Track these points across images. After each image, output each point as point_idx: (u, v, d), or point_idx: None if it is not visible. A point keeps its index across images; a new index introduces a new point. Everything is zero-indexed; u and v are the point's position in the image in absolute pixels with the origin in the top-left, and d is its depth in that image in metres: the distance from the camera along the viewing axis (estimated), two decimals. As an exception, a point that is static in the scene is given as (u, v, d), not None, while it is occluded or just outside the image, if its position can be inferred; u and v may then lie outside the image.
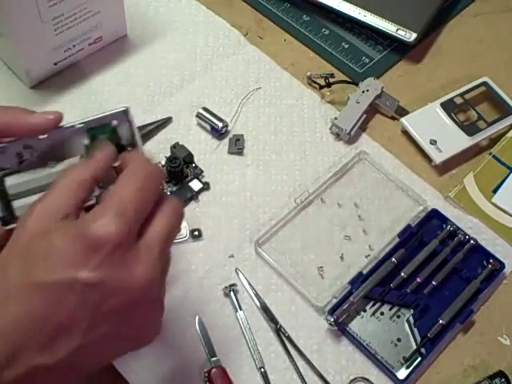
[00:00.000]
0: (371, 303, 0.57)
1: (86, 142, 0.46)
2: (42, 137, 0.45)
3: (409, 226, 0.61)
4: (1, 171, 0.45)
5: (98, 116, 0.47)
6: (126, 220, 0.36)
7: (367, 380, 0.53)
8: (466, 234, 0.61)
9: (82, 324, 0.35)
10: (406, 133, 0.68)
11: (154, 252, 0.37)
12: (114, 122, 0.46)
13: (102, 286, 0.35)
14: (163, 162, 0.63)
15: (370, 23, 0.75)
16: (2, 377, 0.34)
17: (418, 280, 0.58)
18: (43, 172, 0.46)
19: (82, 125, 0.46)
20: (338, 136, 0.68)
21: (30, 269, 0.35)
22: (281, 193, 0.63)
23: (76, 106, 0.67)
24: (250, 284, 0.57)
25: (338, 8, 0.76)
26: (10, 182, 0.45)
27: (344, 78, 0.72)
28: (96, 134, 0.47)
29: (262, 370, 0.53)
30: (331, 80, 0.70)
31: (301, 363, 0.54)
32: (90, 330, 0.35)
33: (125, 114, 0.47)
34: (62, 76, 0.69)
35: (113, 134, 0.47)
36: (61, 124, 0.46)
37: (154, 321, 0.40)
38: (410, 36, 0.73)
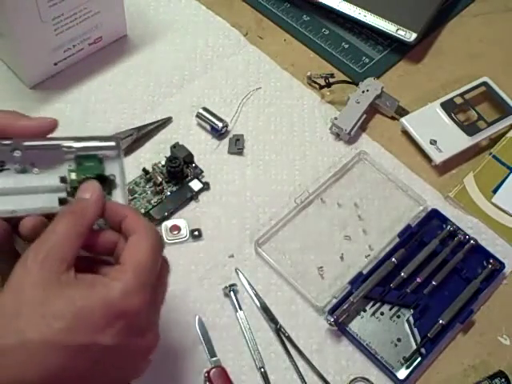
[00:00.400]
0: (371, 303, 0.57)
1: (72, 166, 0.47)
2: (27, 143, 0.46)
3: (409, 226, 0.61)
4: None
5: (89, 144, 0.48)
6: (148, 290, 0.38)
7: (367, 380, 0.53)
8: (466, 234, 0.61)
9: (88, 379, 0.37)
10: (406, 133, 0.68)
11: (158, 312, 0.41)
12: (104, 154, 0.48)
13: (118, 349, 0.37)
14: (163, 162, 0.63)
15: (370, 23, 0.75)
16: None
17: (418, 280, 0.58)
18: (26, 176, 0.47)
19: (71, 148, 0.47)
20: (337, 136, 0.68)
21: (51, 327, 0.35)
22: (281, 193, 0.63)
23: (76, 106, 0.67)
24: (249, 284, 0.57)
25: (338, 8, 0.76)
26: None
27: (344, 78, 0.72)
28: (82, 160, 0.48)
29: (262, 369, 0.53)
30: (331, 80, 0.70)
31: (301, 363, 0.54)
32: (93, 382, 0.38)
33: (116, 148, 0.49)
34: (62, 76, 0.69)
35: (99, 164, 0.48)
36: (53, 136, 0.47)
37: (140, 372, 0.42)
38: (410, 36, 0.73)
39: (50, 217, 0.45)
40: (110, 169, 0.49)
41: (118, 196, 0.48)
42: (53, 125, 0.47)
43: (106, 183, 0.48)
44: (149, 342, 0.40)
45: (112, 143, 0.49)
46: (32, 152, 0.47)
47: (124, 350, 0.38)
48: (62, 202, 0.46)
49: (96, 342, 0.36)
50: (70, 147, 0.48)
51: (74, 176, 0.47)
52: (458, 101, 0.69)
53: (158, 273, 0.40)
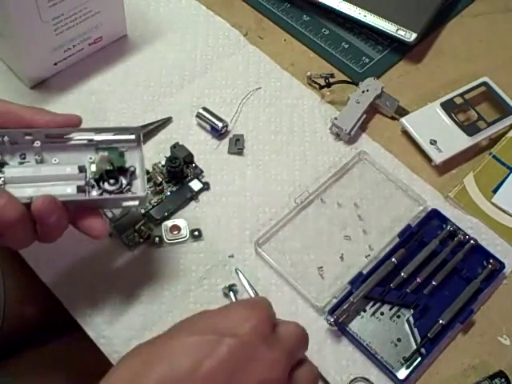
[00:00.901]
0: (371, 303, 0.57)
1: (93, 158, 0.49)
2: (47, 133, 0.48)
3: (409, 225, 0.61)
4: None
5: (109, 137, 0.50)
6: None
7: (367, 380, 0.53)
8: (466, 234, 0.61)
9: None
10: (406, 133, 0.68)
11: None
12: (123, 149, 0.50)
13: None
14: (163, 162, 0.63)
15: (370, 23, 0.75)
16: None
17: (418, 280, 0.58)
18: (46, 166, 0.48)
19: (92, 141, 0.49)
20: (337, 136, 0.68)
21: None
22: (281, 193, 0.63)
23: (76, 106, 0.67)
24: (249, 284, 0.57)
25: (338, 8, 0.76)
26: (12, 168, 0.48)
27: (344, 78, 0.72)
28: (102, 151, 0.50)
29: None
30: (331, 80, 0.70)
31: (301, 363, 0.54)
32: None
33: (136, 140, 0.50)
34: (62, 76, 0.69)
35: (119, 157, 0.49)
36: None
37: None
38: (410, 36, 0.73)
39: (66, 205, 0.46)
40: (130, 160, 0.50)
41: (138, 187, 0.50)
42: (77, 121, 0.49)
43: (127, 175, 0.49)
44: None
45: (132, 136, 0.50)
46: (52, 144, 0.48)
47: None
48: (79, 189, 0.47)
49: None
50: (91, 140, 0.49)
51: (94, 168, 0.49)
52: (458, 101, 0.69)
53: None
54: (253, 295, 0.57)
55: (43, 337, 0.67)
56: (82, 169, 0.48)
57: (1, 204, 0.42)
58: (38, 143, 0.47)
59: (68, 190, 0.47)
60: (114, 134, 0.50)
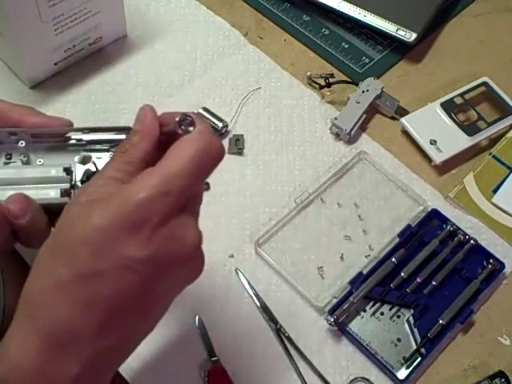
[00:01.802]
0: (371, 303, 0.57)
1: (77, 158, 0.47)
2: (33, 133, 0.46)
3: (409, 226, 0.61)
4: None
5: (99, 137, 0.47)
6: (172, 200, 0.34)
7: (367, 380, 0.53)
8: (466, 234, 0.61)
9: (142, 298, 0.34)
10: (406, 133, 0.68)
11: (194, 217, 0.37)
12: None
13: (157, 258, 0.34)
14: (163, 162, 0.62)
15: (370, 23, 0.75)
16: (66, 373, 0.33)
17: (418, 280, 0.58)
18: (29, 167, 0.46)
19: (81, 141, 0.46)
20: (337, 136, 0.68)
21: (75, 260, 0.33)
22: (281, 193, 0.63)
23: (76, 106, 0.67)
24: (249, 284, 0.57)
25: (337, 8, 0.76)
26: None
27: (344, 78, 0.72)
28: (92, 152, 0.47)
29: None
30: (331, 80, 0.70)
31: (301, 363, 0.54)
32: (149, 299, 0.35)
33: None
34: (62, 76, 0.69)
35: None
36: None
37: (200, 273, 0.39)
38: (410, 36, 0.73)
39: (51, 208, 0.44)
40: None
41: None
42: (67, 125, 0.46)
43: None
44: (189, 246, 0.35)
45: (122, 136, 0.48)
46: (39, 144, 0.46)
47: (164, 258, 0.34)
48: (64, 193, 0.45)
49: (126, 257, 0.33)
50: (80, 140, 0.47)
51: (80, 170, 0.47)
52: (458, 101, 0.69)
53: (194, 184, 0.36)
54: (253, 295, 0.57)
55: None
56: (68, 171, 0.46)
57: None
58: (22, 143, 0.45)
59: (51, 194, 0.45)
60: (105, 134, 0.49)
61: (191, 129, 0.37)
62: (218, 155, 0.38)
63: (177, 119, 0.37)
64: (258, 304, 0.56)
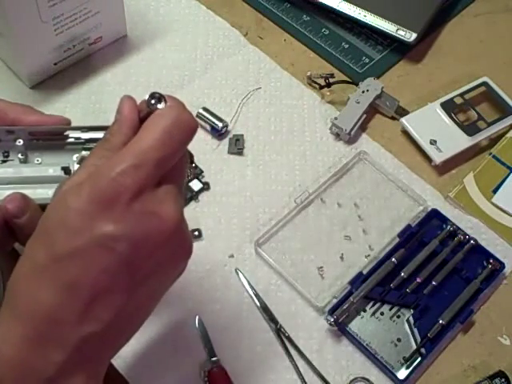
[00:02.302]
0: (371, 303, 0.57)
1: (79, 157, 0.46)
2: (30, 131, 0.45)
3: (409, 226, 0.61)
4: None
5: (97, 135, 0.46)
6: (144, 172, 0.33)
7: (367, 380, 0.53)
8: (466, 234, 0.61)
9: (121, 280, 0.33)
10: (406, 133, 0.68)
11: (173, 193, 0.36)
12: None
13: (131, 235, 0.33)
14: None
15: (370, 23, 0.75)
16: (51, 361, 0.33)
17: (418, 280, 0.58)
18: (27, 167, 0.46)
19: (79, 139, 0.46)
20: (337, 136, 0.68)
21: (51, 242, 0.33)
22: (281, 193, 0.63)
23: (76, 106, 0.67)
24: (249, 284, 0.57)
25: (337, 8, 0.76)
26: None
27: (344, 78, 0.72)
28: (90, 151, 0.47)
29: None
30: (331, 80, 0.70)
31: (301, 363, 0.54)
32: (130, 282, 0.34)
33: None
34: (62, 76, 0.69)
35: None
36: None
37: (186, 257, 0.38)
38: (410, 36, 0.73)
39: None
40: None
41: None
42: (65, 123, 0.46)
43: None
44: (167, 222, 0.34)
45: None
46: (37, 142, 0.46)
47: (141, 235, 0.33)
48: None
49: (100, 235, 0.32)
50: (78, 138, 0.47)
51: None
52: (458, 101, 0.69)
53: (167, 156, 0.35)
54: (253, 295, 0.57)
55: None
56: (66, 170, 0.46)
57: None
58: (20, 141, 0.45)
59: (49, 193, 0.43)
60: (104, 133, 0.48)
61: (161, 105, 0.37)
62: (188, 126, 0.36)
63: (146, 98, 0.37)
64: (258, 304, 0.56)
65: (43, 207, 0.43)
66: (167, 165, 0.35)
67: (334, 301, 0.56)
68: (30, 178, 0.45)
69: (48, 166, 0.46)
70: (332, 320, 0.54)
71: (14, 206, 0.41)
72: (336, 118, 0.67)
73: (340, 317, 0.55)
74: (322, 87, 0.70)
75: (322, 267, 0.59)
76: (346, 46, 0.76)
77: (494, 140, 0.68)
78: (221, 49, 0.74)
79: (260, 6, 0.78)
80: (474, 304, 0.57)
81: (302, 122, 0.69)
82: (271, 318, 0.56)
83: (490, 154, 0.67)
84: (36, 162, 0.46)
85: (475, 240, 0.60)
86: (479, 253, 0.60)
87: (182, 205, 0.36)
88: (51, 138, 0.46)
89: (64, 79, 0.69)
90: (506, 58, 0.76)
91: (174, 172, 0.36)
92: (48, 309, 0.33)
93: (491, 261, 0.59)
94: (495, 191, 0.64)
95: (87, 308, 0.33)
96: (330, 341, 0.55)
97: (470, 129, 0.67)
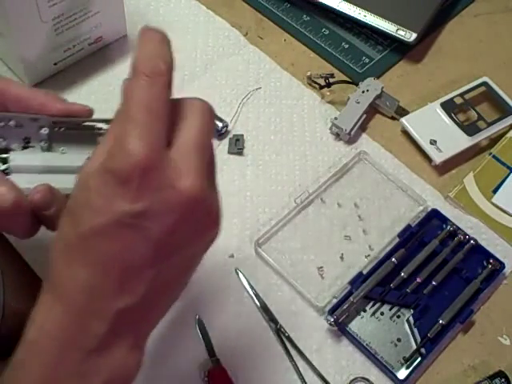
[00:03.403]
0: (371, 303, 0.57)
1: (100, 139, 0.45)
2: (56, 120, 0.45)
3: (409, 226, 0.61)
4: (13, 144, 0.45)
5: None
6: (147, 139, 0.33)
7: (367, 380, 0.53)
8: (466, 234, 0.61)
9: (148, 254, 0.34)
10: (406, 133, 0.68)
11: (191, 159, 0.35)
12: None
13: (151, 211, 0.33)
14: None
15: (370, 23, 0.75)
16: (92, 334, 0.34)
17: (418, 280, 0.58)
18: (53, 156, 0.46)
19: (101, 130, 0.46)
20: (337, 136, 0.68)
21: (77, 221, 0.34)
22: (281, 193, 0.63)
23: (76, 106, 0.67)
24: (249, 284, 0.57)
25: (337, 8, 0.76)
26: (16, 155, 0.45)
27: (344, 78, 0.72)
28: None
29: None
30: (331, 80, 0.70)
31: (301, 363, 0.54)
32: (157, 256, 0.34)
33: None
34: (62, 76, 0.69)
35: None
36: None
37: (213, 226, 0.38)
38: (410, 36, 0.73)
39: None
40: None
41: None
42: (89, 113, 0.46)
43: None
44: (184, 191, 0.34)
45: None
46: (60, 131, 0.46)
47: (161, 208, 0.33)
48: None
49: (121, 213, 0.33)
50: (100, 129, 0.47)
51: None
52: (458, 101, 0.69)
53: (163, 113, 0.35)
54: (253, 295, 0.57)
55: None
56: None
57: (1, 192, 0.41)
58: (45, 130, 0.45)
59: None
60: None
61: None
62: (164, 68, 0.38)
63: None
64: (258, 304, 0.56)
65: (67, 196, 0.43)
66: (164, 125, 0.35)
67: (334, 301, 0.56)
68: (56, 168, 0.45)
69: (74, 155, 0.46)
70: (332, 320, 0.54)
71: (41, 199, 0.42)
72: (336, 118, 0.67)
73: (340, 317, 0.55)
74: (322, 87, 0.70)
75: (321, 267, 0.59)
76: (346, 45, 0.76)
77: (493, 140, 0.68)
78: (221, 49, 0.74)
79: (260, 6, 0.78)
80: (474, 304, 0.57)
81: (301, 122, 0.69)
82: (271, 318, 0.56)
83: (490, 154, 0.67)
84: (61, 151, 0.46)
85: (475, 240, 0.60)
86: (479, 253, 0.60)
87: (207, 170, 0.36)
88: (74, 127, 0.46)
89: (64, 79, 0.69)
90: (506, 58, 0.76)
91: (181, 130, 0.36)
92: (84, 284, 0.34)
93: (491, 261, 0.59)
94: (495, 191, 0.64)
95: (120, 282, 0.34)
96: (329, 341, 0.55)
97: (469, 129, 0.67)
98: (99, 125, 0.47)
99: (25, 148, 0.46)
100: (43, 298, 0.36)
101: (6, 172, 0.44)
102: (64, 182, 0.44)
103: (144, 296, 0.35)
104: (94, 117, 0.47)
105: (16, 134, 0.46)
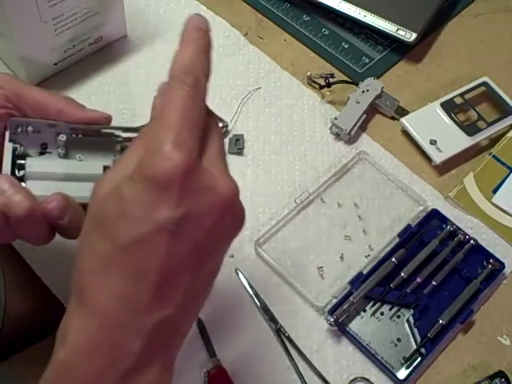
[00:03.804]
0: (371, 303, 0.57)
1: (118, 157, 0.46)
2: (73, 127, 0.45)
3: (409, 225, 0.61)
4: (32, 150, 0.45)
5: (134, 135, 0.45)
6: (185, 147, 0.33)
7: (367, 380, 0.53)
8: (466, 234, 0.61)
9: (187, 260, 0.34)
10: (406, 133, 0.68)
11: (221, 164, 0.36)
12: None
13: (192, 215, 0.33)
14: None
15: (370, 23, 0.75)
16: (128, 351, 0.33)
17: (418, 280, 0.58)
18: (70, 163, 0.46)
19: (118, 137, 0.46)
20: (337, 136, 0.68)
21: (113, 233, 0.33)
22: (281, 193, 0.63)
23: (76, 106, 0.67)
24: (249, 284, 0.57)
25: (337, 8, 0.76)
26: (33, 161, 0.45)
27: (344, 78, 0.72)
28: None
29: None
30: (331, 80, 0.70)
31: (301, 363, 0.54)
32: (196, 261, 0.34)
33: None
34: (62, 76, 0.69)
35: None
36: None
37: (241, 226, 0.39)
38: (410, 36, 0.73)
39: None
40: None
41: None
42: (107, 120, 0.46)
43: None
44: (224, 193, 0.34)
45: None
46: (77, 138, 0.46)
47: (200, 213, 0.33)
48: None
49: (161, 221, 0.32)
50: (118, 136, 0.46)
51: None
52: (458, 101, 0.69)
53: (199, 122, 0.35)
54: (253, 295, 0.57)
55: (44, 336, 0.67)
56: (107, 169, 0.45)
57: (15, 200, 0.41)
58: (63, 137, 0.45)
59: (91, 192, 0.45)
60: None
61: None
62: (196, 72, 0.38)
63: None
64: (258, 304, 0.56)
65: (84, 206, 0.42)
66: (199, 130, 0.35)
67: (334, 301, 0.56)
68: (72, 175, 0.45)
69: (91, 163, 0.46)
70: (332, 320, 0.54)
71: (55, 208, 0.41)
72: (336, 118, 0.67)
73: (340, 317, 0.55)
74: (322, 87, 0.70)
75: (322, 267, 0.59)
76: (346, 45, 0.76)
77: (494, 140, 0.68)
78: (221, 49, 0.74)
79: (260, 6, 0.78)
80: (474, 304, 0.57)
81: (301, 122, 0.69)
82: (271, 318, 0.56)
83: (490, 153, 0.67)
84: (78, 158, 0.46)
85: (475, 240, 0.60)
86: (479, 253, 0.60)
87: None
88: (91, 134, 0.46)
89: (64, 79, 0.69)
90: (506, 58, 0.76)
91: (209, 140, 0.37)
92: (121, 298, 0.33)
93: (491, 261, 0.59)
94: (495, 191, 0.64)
95: (158, 292, 0.33)
96: (329, 341, 0.55)
97: (469, 129, 0.67)
98: (117, 132, 0.46)
99: (41, 154, 0.45)
100: (73, 312, 0.34)
101: (22, 178, 0.44)
102: (80, 191, 0.43)
103: (180, 305, 0.34)
104: (112, 124, 0.46)
105: (33, 139, 0.45)
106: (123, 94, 0.69)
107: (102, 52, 0.71)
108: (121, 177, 0.34)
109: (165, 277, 0.33)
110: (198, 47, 0.37)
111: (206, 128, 0.36)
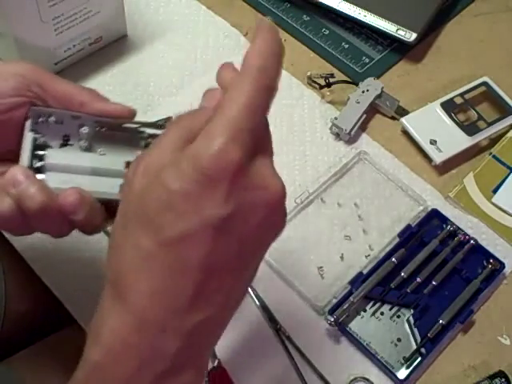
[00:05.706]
0: (371, 303, 0.57)
1: (142, 144, 0.45)
2: (97, 120, 0.44)
3: (409, 225, 0.61)
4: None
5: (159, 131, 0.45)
6: (241, 144, 0.32)
7: (367, 380, 0.53)
8: (466, 234, 0.61)
9: (232, 259, 0.32)
10: (406, 133, 0.68)
11: (271, 164, 0.35)
12: None
13: (240, 214, 0.32)
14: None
15: (370, 23, 0.75)
16: (166, 352, 0.32)
17: (418, 280, 0.58)
18: (91, 157, 0.44)
19: (143, 133, 0.45)
20: (337, 136, 0.68)
21: (158, 227, 0.31)
22: (281, 193, 0.63)
23: (76, 106, 0.67)
24: (250, 284, 0.57)
25: (338, 8, 0.76)
26: (53, 152, 0.43)
27: (344, 78, 0.72)
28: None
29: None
30: (331, 80, 0.70)
31: (301, 363, 0.54)
32: (240, 260, 0.33)
33: None
34: (62, 76, 0.68)
35: None
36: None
37: (282, 227, 0.37)
38: (410, 36, 0.73)
39: (106, 204, 0.42)
40: None
41: None
42: (131, 113, 0.45)
43: None
44: (274, 193, 0.34)
45: None
46: (100, 131, 0.44)
47: (249, 211, 0.32)
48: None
49: (209, 216, 0.31)
50: (142, 132, 0.45)
51: None
52: (458, 101, 0.69)
53: (261, 125, 0.35)
54: (253, 295, 0.57)
55: (43, 336, 0.67)
56: (129, 164, 0.42)
57: (30, 193, 0.39)
58: (85, 129, 0.43)
59: (111, 188, 0.42)
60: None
61: None
62: (269, 82, 0.35)
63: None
64: (258, 304, 0.56)
65: (102, 201, 0.41)
66: (259, 132, 0.35)
67: (334, 301, 0.56)
68: (92, 169, 0.44)
69: (112, 158, 0.44)
70: (332, 320, 0.54)
71: (68, 204, 0.40)
72: (336, 118, 0.67)
73: (340, 317, 0.55)
74: (322, 87, 0.70)
75: (321, 267, 0.59)
76: (346, 45, 0.76)
77: (494, 140, 0.68)
78: (221, 49, 0.74)
79: (260, 6, 0.78)
80: (474, 304, 0.57)
81: (301, 121, 0.69)
82: (271, 318, 0.56)
83: (490, 153, 0.67)
84: (100, 152, 0.45)
85: (475, 240, 0.60)
86: (479, 253, 0.60)
87: None
88: (115, 128, 0.45)
89: (64, 79, 0.69)
90: (506, 58, 0.76)
91: (264, 141, 0.36)
92: (162, 297, 0.32)
93: (491, 261, 0.59)
94: (495, 191, 0.65)
95: (201, 291, 0.32)
96: (329, 341, 0.55)
97: (469, 129, 0.67)
98: (142, 128, 0.45)
99: (63, 146, 0.44)
100: (109, 310, 0.33)
101: (40, 169, 0.42)
102: (100, 186, 0.42)
103: (222, 306, 0.33)
104: (136, 119, 0.45)
105: (55, 130, 0.44)
106: (123, 94, 0.69)
107: (101, 52, 0.71)
108: (160, 165, 0.32)
109: (207, 275, 0.32)
110: (274, 49, 0.35)
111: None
